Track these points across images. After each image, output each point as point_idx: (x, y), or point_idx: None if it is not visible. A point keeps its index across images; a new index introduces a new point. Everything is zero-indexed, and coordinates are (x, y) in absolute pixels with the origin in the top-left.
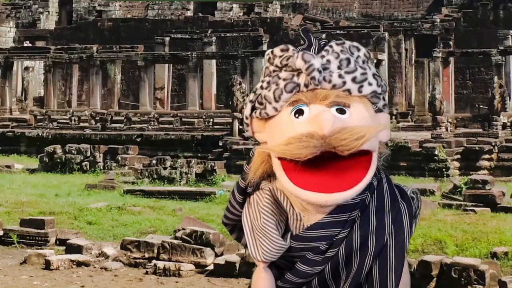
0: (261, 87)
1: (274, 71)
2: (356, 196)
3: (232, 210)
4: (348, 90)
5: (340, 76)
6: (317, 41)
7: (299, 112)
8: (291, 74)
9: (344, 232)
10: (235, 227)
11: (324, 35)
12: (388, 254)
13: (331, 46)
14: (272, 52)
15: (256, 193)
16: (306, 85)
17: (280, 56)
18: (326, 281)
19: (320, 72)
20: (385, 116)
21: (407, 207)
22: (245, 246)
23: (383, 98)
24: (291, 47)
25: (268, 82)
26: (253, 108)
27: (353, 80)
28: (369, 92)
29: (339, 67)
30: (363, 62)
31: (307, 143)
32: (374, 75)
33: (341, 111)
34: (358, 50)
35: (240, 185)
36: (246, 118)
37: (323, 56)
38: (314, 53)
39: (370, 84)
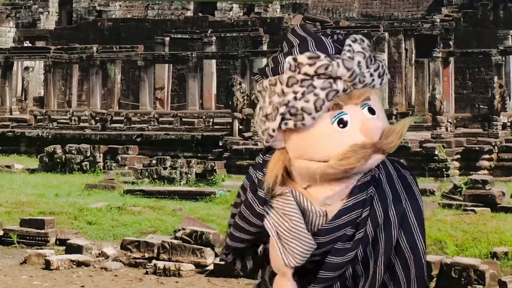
0: (295, 98)
1: (303, 80)
2: (366, 173)
3: (242, 233)
4: (373, 85)
5: (370, 75)
6: (331, 44)
7: (341, 121)
8: (328, 83)
9: (366, 211)
10: (240, 253)
11: (335, 34)
12: (409, 219)
13: (350, 46)
14: (295, 60)
15: (276, 200)
16: (344, 90)
17: (311, 65)
18: (356, 270)
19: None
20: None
21: (410, 174)
22: (253, 272)
23: None
24: (321, 54)
25: (303, 93)
26: (283, 120)
27: (379, 75)
28: (385, 82)
29: (367, 66)
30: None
31: (363, 153)
32: (383, 63)
33: (371, 110)
34: (368, 44)
35: (260, 195)
36: (273, 130)
37: (352, 58)
38: (332, 53)
39: (387, 74)
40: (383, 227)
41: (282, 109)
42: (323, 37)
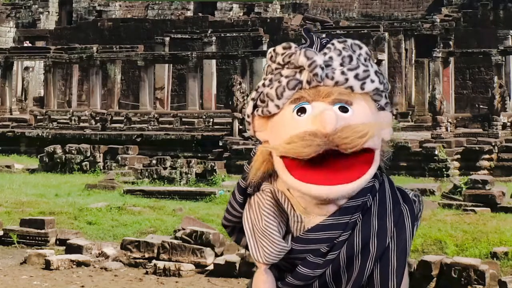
0: (263, 85)
1: (276, 68)
2: (357, 198)
3: (232, 211)
4: (351, 87)
5: (342, 73)
6: (318, 39)
7: (302, 110)
8: (293, 71)
9: (345, 235)
10: (234, 229)
11: (324, 35)
12: (390, 257)
13: (333, 44)
14: (274, 50)
15: (257, 195)
16: (308, 82)
17: (282, 54)
18: (327, 284)
19: (322, 68)
20: (387, 114)
21: (409, 210)
22: (245, 248)
23: (386, 96)
24: (293, 45)
25: (270, 80)
26: (255, 106)
27: (356, 77)
28: (372, 89)
29: (341, 64)
30: (365, 59)
31: (310, 141)
32: (376, 72)
33: (344, 109)
34: (360, 48)
35: (241, 185)
36: (248, 116)
37: (325, 53)
38: (316, 50)
39: (372, 81)
40: (360, 256)
41: (253, 94)
42: (314, 36)
